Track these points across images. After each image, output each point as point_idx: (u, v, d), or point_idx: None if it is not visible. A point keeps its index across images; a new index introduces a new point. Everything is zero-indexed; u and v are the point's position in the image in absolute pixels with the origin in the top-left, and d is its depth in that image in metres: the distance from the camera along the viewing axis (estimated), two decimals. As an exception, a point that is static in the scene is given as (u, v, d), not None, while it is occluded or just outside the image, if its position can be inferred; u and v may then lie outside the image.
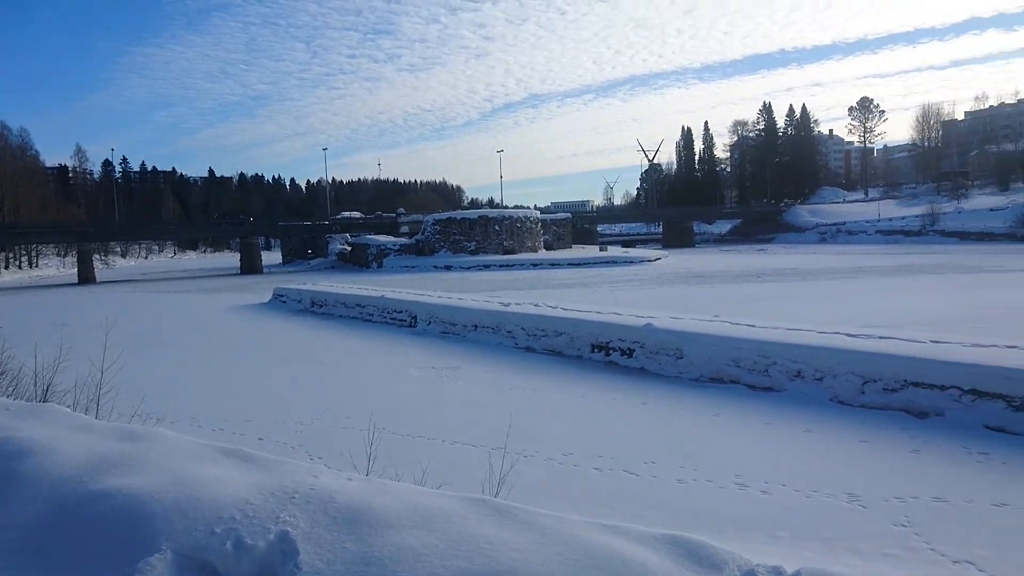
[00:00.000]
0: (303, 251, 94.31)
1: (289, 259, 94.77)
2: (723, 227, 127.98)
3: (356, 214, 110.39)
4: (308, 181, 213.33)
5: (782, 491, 8.92)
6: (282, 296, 39.62)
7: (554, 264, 69.25)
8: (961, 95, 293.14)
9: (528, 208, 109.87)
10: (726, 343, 15.99)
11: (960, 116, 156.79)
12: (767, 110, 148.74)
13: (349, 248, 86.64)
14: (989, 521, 7.84)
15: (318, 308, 34.83)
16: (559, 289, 42.01)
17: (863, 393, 13.26)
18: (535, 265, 68.78)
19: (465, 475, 8.94)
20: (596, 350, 19.10)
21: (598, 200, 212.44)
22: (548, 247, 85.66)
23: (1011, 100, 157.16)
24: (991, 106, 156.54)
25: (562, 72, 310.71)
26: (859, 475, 9.38)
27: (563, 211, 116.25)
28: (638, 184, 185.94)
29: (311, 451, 11.25)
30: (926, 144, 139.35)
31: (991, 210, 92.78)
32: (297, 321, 31.86)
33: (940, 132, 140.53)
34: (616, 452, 10.67)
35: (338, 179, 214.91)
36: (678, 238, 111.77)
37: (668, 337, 17.29)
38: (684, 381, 15.98)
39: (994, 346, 13.44)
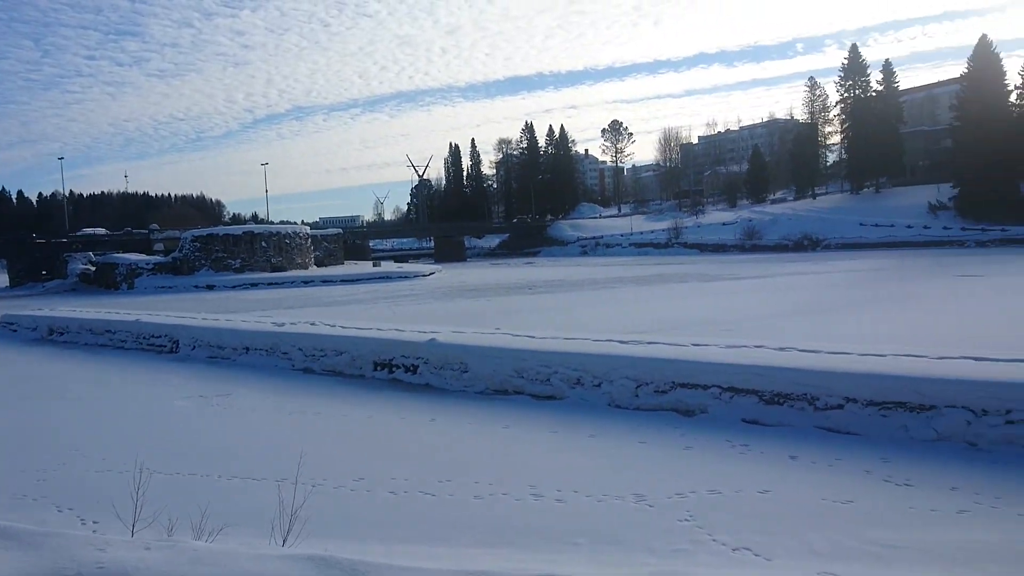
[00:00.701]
0: (36, 272, 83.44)
1: (19, 282, 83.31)
2: (492, 241, 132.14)
3: (101, 230, 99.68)
4: (40, 194, 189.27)
5: (575, 498, 9.14)
6: (12, 324, 34.70)
7: (327, 281, 67.31)
8: (695, 121, 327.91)
9: (296, 224, 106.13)
10: (509, 355, 16.29)
11: (695, 140, 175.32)
12: (529, 130, 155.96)
13: (93, 268, 77.91)
14: (757, 508, 8.55)
15: (58, 336, 30.91)
16: (334, 307, 40.81)
17: (637, 396, 14.08)
18: (307, 282, 66.40)
19: (252, 514, 8.21)
20: (379, 368, 18.66)
21: (368, 215, 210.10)
22: (319, 263, 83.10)
23: (735, 127, 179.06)
24: (719, 132, 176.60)
25: (327, 85, 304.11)
26: (643, 475, 9.87)
27: (333, 226, 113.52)
28: (409, 199, 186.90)
29: (59, 502, 9.76)
30: (668, 164, 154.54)
31: (724, 224, 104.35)
32: (33, 352, 28.04)
33: (679, 154, 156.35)
34: (409, 473, 10.38)
35: (77, 192, 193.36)
36: (450, 253, 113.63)
37: (452, 351, 17.30)
38: (470, 395, 16.04)
39: (744, 346, 14.90)
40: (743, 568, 6.98)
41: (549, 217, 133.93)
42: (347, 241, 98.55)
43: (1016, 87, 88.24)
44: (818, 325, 22.18)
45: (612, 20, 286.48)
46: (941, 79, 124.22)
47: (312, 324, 23.30)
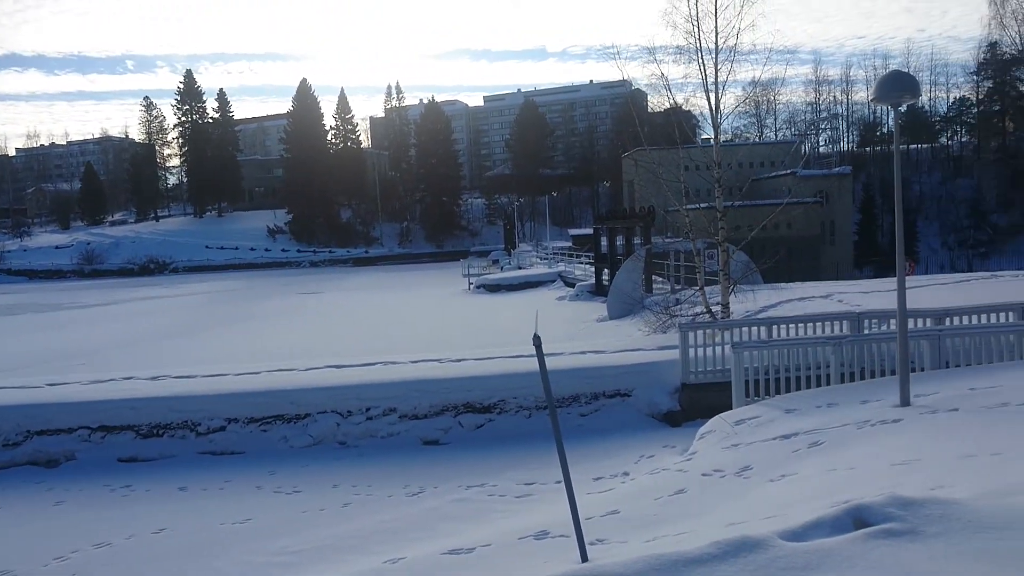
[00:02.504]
0: None
1: None
2: None
3: None
4: None
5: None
6: None
7: None
8: (11, 130, 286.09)
9: None
10: None
11: (12, 152, 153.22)
12: None
13: None
14: (157, 550, 8.01)
15: None
16: None
17: (-19, 455, 11.70)
18: None
19: None
20: None
21: None
22: None
23: (62, 141, 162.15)
24: (43, 145, 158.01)
25: None
26: (12, 550, 8.26)
27: None
28: None
29: None
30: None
31: (57, 248, 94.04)
32: None
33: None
34: None
35: None
36: None
37: None
38: None
39: (112, 379, 13.74)
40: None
41: None
42: None
43: (331, 127, 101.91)
44: (185, 349, 21.86)
45: None
46: (270, 112, 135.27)
47: None
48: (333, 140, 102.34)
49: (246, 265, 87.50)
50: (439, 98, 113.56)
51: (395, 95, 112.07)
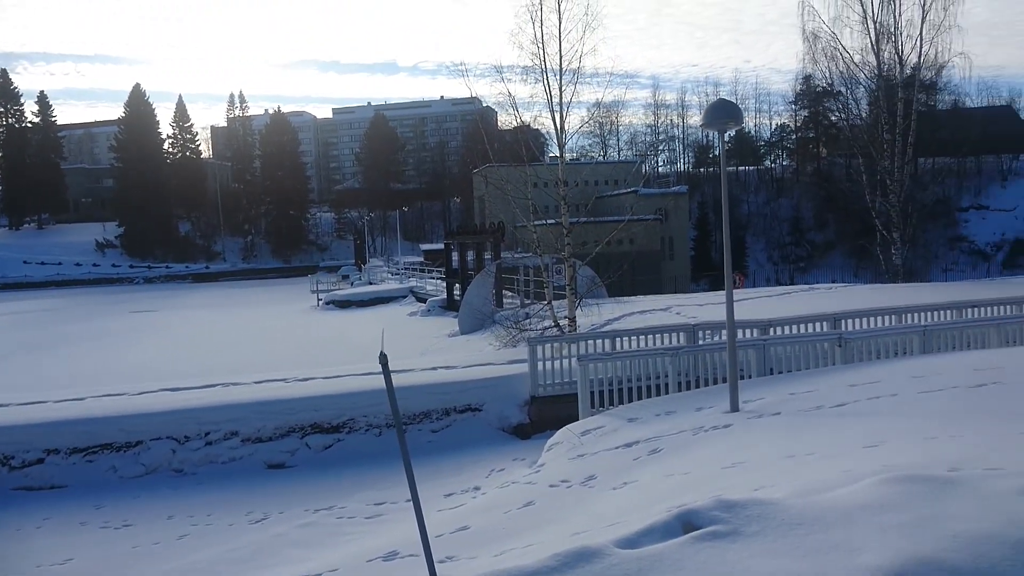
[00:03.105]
0: None
1: None
2: None
3: None
4: None
5: None
6: None
7: None
8: None
9: None
10: None
11: None
12: None
13: None
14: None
15: None
16: None
17: None
18: None
19: None
20: None
21: None
22: None
23: None
24: None
25: None
26: None
27: None
28: None
29: None
30: None
31: None
32: None
33: None
34: None
35: None
36: None
37: None
38: None
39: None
40: None
41: None
42: None
43: (168, 136, 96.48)
44: (-4, 376, 19.88)
45: None
46: (100, 118, 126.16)
47: None
48: (170, 149, 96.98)
49: (72, 282, 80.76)
50: (286, 109, 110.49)
51: (238, 104, 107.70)
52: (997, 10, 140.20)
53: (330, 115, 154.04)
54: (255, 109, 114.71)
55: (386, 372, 5.13)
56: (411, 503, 5.30)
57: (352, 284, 53.83)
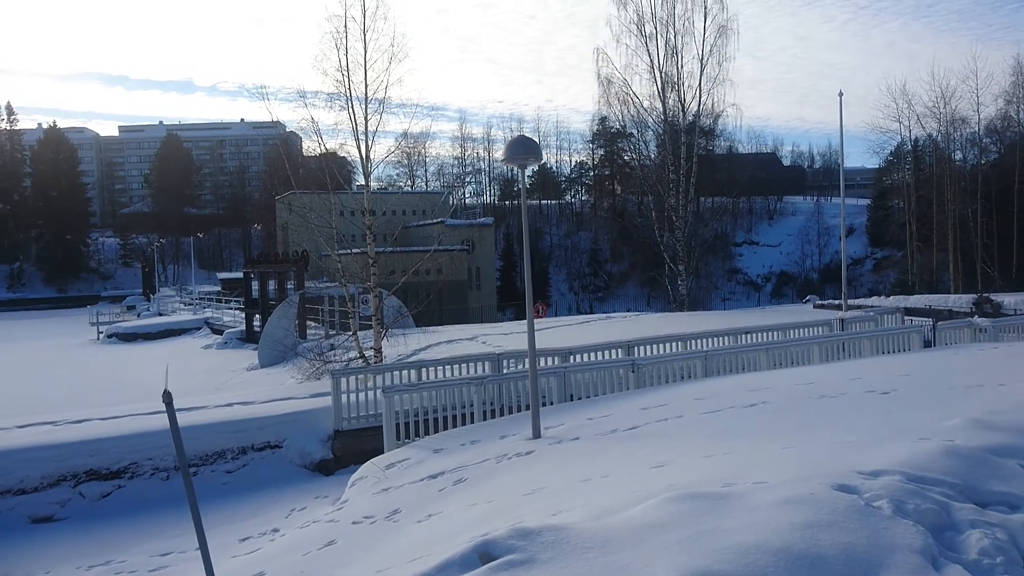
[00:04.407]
0: None
1: None
2: None
3: None
4: None
5: None
6: None
7: None
8: None
9: None
10: None
11: None
12: None
13: None
14: None
15: None
16: None
17: None
18: None
19: None
20: None
21: None
22: None
23: None
24: None
25: None
26: None
27: None
28: None
29: None
30: None
31: None
32: None
33: None
34: None
35: None
36: None
37: None
38: None
39: None
40: None
41: None
42: None
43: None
44: None
45: None
46: None
47: None
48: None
49: None
50: (64, 124, 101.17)
51: (6, 116, 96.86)
52: (762, 68, 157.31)
53: (116, 133, 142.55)
54: (27, 123, 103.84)
55: (170, 411, 4.76)
56: (200, 551, 4.92)
57: (139, 315, 49.91)
